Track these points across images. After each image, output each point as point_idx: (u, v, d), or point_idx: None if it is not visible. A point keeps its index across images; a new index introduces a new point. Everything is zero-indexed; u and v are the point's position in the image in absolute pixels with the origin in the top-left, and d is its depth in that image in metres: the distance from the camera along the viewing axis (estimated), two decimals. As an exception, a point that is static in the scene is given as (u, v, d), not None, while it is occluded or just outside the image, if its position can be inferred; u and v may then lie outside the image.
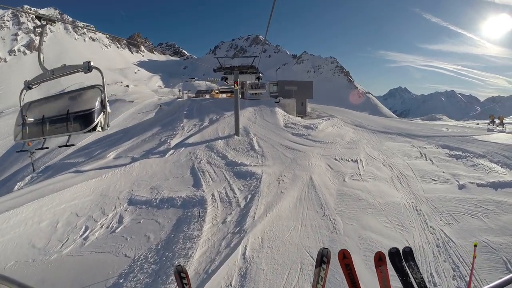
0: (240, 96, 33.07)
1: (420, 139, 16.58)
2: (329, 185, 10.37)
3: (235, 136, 17.77)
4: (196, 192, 10.31)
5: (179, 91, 65.52)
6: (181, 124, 20.64)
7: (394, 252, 1.71)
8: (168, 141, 17.05)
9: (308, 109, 29.26)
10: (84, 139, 27.91)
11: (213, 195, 10.00)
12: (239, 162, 13.18)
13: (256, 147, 15.59)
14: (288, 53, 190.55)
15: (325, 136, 17.33)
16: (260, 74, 30.79)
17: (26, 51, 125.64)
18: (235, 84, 18.92)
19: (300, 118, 24.79)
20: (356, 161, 12.77)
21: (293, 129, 19.28)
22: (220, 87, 44.37)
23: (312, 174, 11.21)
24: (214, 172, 12.25)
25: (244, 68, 20.91)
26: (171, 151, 15.28)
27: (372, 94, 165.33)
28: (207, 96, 40.73)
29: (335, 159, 13.10)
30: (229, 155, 14.29)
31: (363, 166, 12.15)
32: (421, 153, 13.76)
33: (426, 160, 12.81)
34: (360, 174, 11.29)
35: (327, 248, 1.76)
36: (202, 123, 20.81)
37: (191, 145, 16.33)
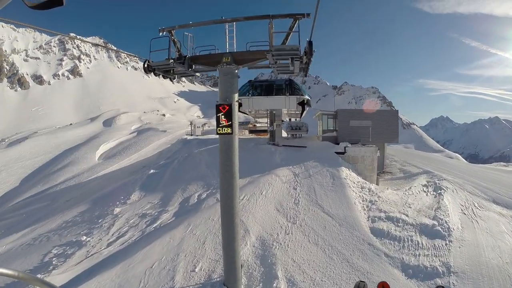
0: (268, 137, 18.97)
1: None
2: None
3: None
4: None
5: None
6: (116, 210, 10.77)
7: None
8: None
9: (384, 158, 18.80)
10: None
11: None
12: None
13: None
14: (328, 84, 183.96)
15: (490, 276, 7.08)
16: (307, 97, 18.09)
17: (70, 76, 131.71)
18: (219, 110, 6.58)
19: (392, 191, 12.46)
20: None
21: (399, 246, 8.06)
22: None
23: None
24: None
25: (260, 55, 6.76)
26: None
27: (416, 125, 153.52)
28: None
29: None
30: None
31: None
32: None
33: None
34: None
35: (364, 281, 1.70)
36: (160, 212, 10.32)
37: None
